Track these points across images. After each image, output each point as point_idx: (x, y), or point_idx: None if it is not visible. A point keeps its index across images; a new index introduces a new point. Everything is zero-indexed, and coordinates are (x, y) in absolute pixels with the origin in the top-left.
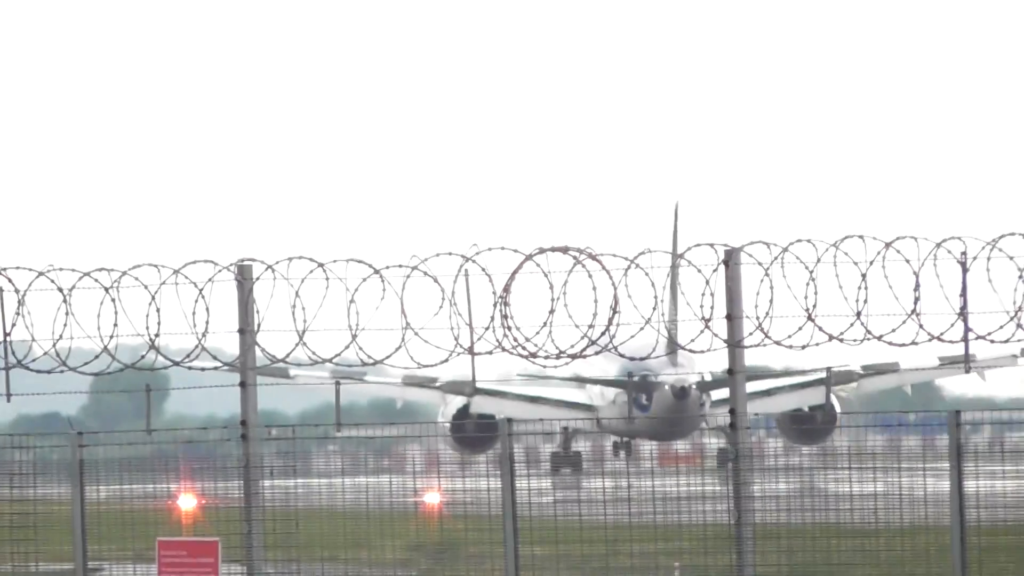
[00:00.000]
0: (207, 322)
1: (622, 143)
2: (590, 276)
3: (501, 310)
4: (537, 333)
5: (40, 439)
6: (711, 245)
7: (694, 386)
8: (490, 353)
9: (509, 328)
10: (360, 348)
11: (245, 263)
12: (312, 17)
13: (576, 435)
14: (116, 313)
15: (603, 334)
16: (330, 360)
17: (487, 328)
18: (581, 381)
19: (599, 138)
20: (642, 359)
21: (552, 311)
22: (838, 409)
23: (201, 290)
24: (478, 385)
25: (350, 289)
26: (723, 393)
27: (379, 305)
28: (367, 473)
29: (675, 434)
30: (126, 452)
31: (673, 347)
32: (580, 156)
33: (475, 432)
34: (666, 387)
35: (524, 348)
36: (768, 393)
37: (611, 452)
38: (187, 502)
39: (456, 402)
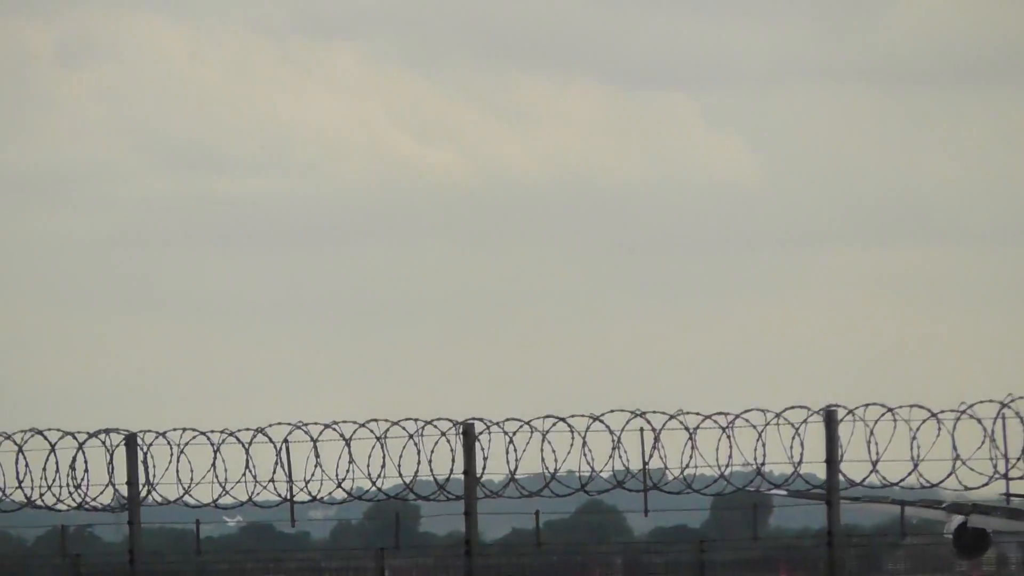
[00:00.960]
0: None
1: None
2: None
3: None
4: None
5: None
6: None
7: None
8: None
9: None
10: (920, 475)
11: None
12: None
13: None
14: (731, 448)
15: None
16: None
17: (1019, 459)
18: None
19: None
20: None
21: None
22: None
23: (797, 429)
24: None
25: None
26: None
27: (935, 440)
28: None
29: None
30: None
31: None
32: None
33: (972, 542)
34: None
35: None
36: None
37: None
38: None
39: (957, 519)
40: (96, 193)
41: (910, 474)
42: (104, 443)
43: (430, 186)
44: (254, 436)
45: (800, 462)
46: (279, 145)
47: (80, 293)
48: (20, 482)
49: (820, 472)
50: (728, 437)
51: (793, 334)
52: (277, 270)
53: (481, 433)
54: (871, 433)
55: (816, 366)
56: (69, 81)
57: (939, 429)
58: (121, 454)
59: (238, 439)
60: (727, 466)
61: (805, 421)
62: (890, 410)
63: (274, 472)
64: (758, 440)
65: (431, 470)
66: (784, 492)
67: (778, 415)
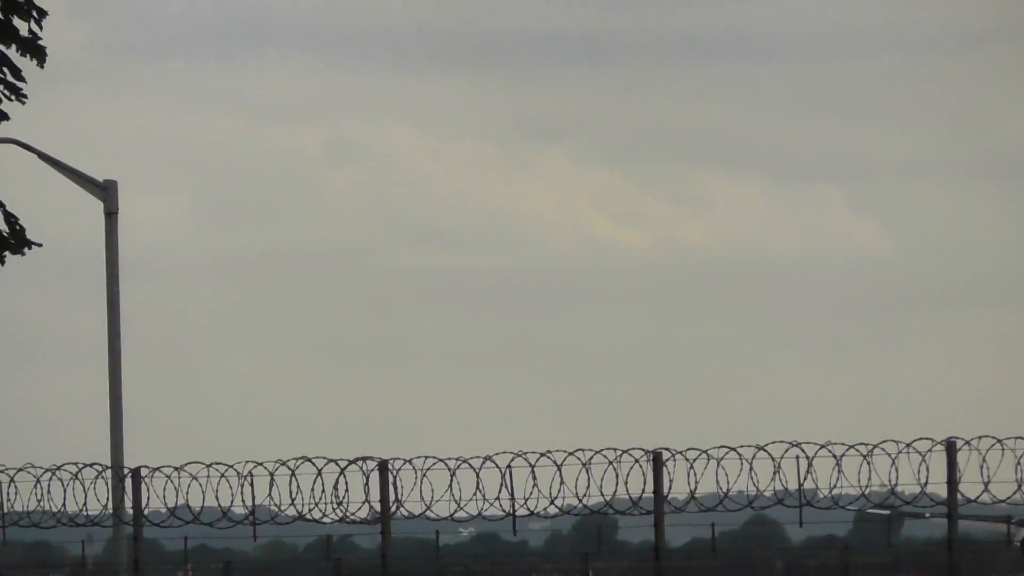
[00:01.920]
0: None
1: None
2: None
3: None
4: None
5: None
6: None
7: None
8: None
9: None
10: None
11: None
12: None
13: None
14: (870, 472)
15: None
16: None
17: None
18: None
19: None
20: None
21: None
22: None
23: (923, 456)
24: None
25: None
26: None
27: None
28: None
29: None
30: None
31: None
32: None
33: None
34: None
35: None
36: None
37: None
38: None
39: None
40: (355, 265)
41: (1015, 492)
42: (361, 468)
43: (624, 261)
44: (483, 462)
45: (926, 483)
46: (501, 227)
47: (344, 347)
48: (292, 500)
49: (942, 492)
50: (867, 463)
51: (920, 379)
52: (497, 327)
53: (667, 460)
54: (983, 460)
55: (939, 405)
56: (335, 175)
57: None
58: (375, 477)
59: (470, 464)
60: (867, 486)
61: (930, 450)
62: (999, 441)
63: (499, 492)
64: (892, 465)
65: (627, 490)
66: (914, 510)
67: (908, 445)
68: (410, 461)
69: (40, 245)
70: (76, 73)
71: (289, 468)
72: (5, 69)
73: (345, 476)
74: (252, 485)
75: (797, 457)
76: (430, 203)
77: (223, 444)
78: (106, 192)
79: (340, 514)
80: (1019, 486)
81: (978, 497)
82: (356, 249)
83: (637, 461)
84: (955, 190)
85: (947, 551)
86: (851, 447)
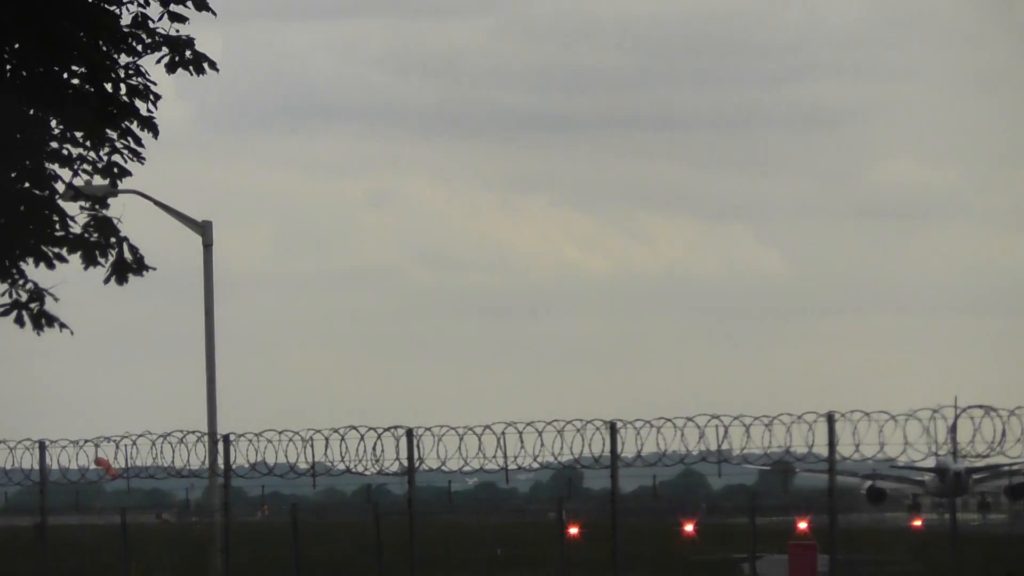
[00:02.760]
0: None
1: None
2: None
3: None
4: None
5: None
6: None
7: (963, 471)
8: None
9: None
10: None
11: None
12: None
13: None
14: (770, 437)
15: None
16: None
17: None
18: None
19: None
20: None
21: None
22: None
23: (811, 425)
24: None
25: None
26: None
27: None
28: None
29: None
30: None
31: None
32: None
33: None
34: (950, 471)
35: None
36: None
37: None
38: (801, 524)
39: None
40: (388, 282)
41: (878, 452)
42: (393, 434)
43: (589, 281)
44: (484, 430)
45: (812, 446)
46: (496, 255)
47: (381, 344)
48: (343, 458)
49: (824, 452)
50: (768, 430)
51: (807, 367)
52: (492, 330)
53: (621, 428)
54: (855, 428)
55: (822, 386)
56: (374, 216)
57: (896, 424)
58: (403, 441)
59: (474, 431)
60: (768, 448)
61: (815, 421)
62: (867, 414)
63: (496, 451)
64: (787, 432)
65: (590, 450)
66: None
67: (799, 416)
68: (430, 429)
69: (155, 269)
70: (182, 139)
71: (340, 433)
72: (129, 139)
73: (381, 440)
74: (312, 447)
75: (716, 426)
76: (444, 237)
77: (291, 415)
78: (204, 229)
79: (377, 468)
80: (881, 447)
81: (851, 456)
82: (389, 270)
83: (598, 429)
84: (836, 228)
85: (828, 496)
86: (756, 418)
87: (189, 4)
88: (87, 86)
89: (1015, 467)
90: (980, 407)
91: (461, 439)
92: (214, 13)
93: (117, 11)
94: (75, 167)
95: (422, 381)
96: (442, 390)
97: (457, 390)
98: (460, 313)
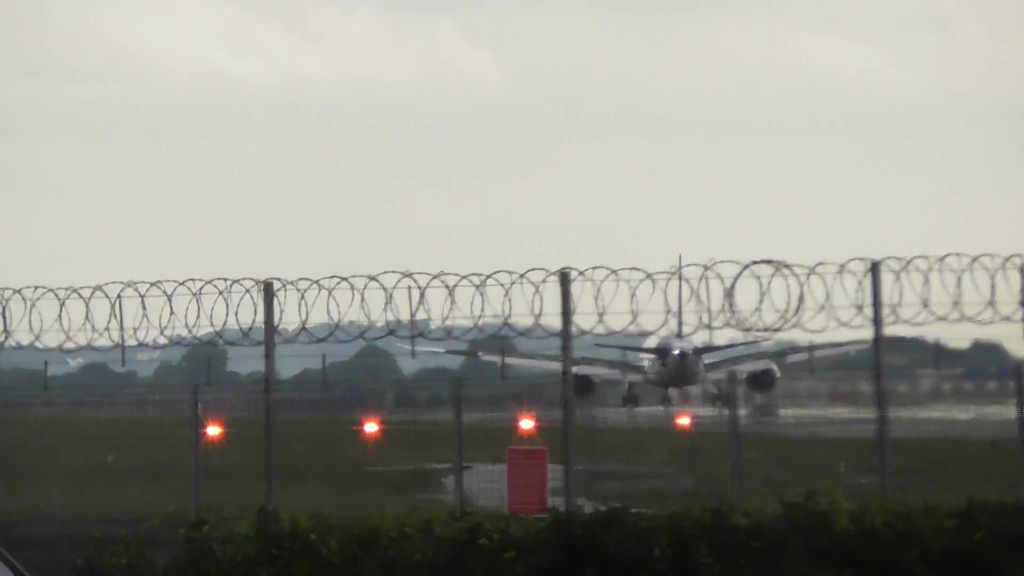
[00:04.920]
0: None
1: None
2: (782, 278)
3: (730, 300)
4: (752, 315)
5: None
6: (861, 259)
7: (691, 351)
8: (720, 327)
9: (735, 312)
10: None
11: (270, 280)
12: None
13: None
14: (483, 303)
15: (793, 316)
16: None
17: (721, 310)
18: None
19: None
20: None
21: (761, 299)
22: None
23: (537, 287)
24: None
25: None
26: (713, 357)
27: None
28: None
29: (685, 382)
30: None
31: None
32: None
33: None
34: (674, 352)
35: (743, 325)
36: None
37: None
38: (527, 423)
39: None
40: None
41: (631, 324)
42: None
43: (233, 96)
44: (93, 292)
45: (540, 314)
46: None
47: None
48: None
49: (557, 323)
50: (480, 294)
51: (536, 210)
52: (112, 158)
53: (279, 290)
54: (598, 290)
55: (554, 236)
56: None
57: (654, 287)
58: None
59: (80, 294)
60: (480, 317)
61: (544, 280)
62: (614, 271)
63: (108, 322)
64: (505, 296)
65: (237, 320)
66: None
67: (522, 275)
68: (19, 291)
69: None
70: None
71: None
72: None
73: None
74: None
75: (409, 288)
76: (49, 39)
77: None
78: None
79: None
80: (634, 317)
81: (593, 329)
82: None
83: (248, 291)
84: (564, 22)
85: (561, 382)
86: (464, 277)
87: None
88: None
89: (749, 348)
90: (769, 262)
91: (62, 305)
92: None
93: None
94: None
95: (8, 223)
96: (35, 237)
97: (55, 237)
98: (66, 136)
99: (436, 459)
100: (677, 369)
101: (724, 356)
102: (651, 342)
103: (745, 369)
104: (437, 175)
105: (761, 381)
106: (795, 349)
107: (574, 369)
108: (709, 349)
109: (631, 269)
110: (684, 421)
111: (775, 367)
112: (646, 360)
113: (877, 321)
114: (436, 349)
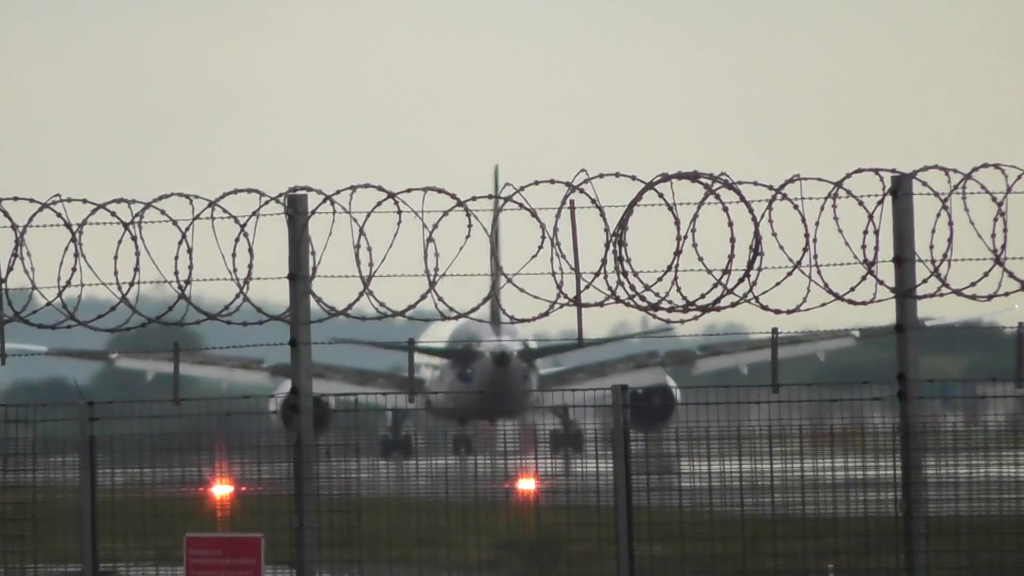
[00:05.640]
0: (251, 266)
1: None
2: (726, 210)
3: (615, 251)
4: (659, 280)
5: (42, 411)
6: (876, 171)
7: (516, 354)
8: (601, 305)
9: (625, 273)
10: (439, 298)
11: (298, 193)
12: None
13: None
14: (138, 255)
15: (742, 281)
16: (402, 313)
17: (597, 273)
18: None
19: (719, 53)
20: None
21: (678, 252)
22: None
23: (243, 226)
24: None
25: (428, 225)
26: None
27: (463, 245)
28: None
29: (502, 412)
30: (149, 427)
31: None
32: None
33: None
34: (487, 354)
35: (643, 298)
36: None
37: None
38: (223, 489)
39: (287, 385)
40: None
41: (423, 297)
42: None
43: None
44: None
45: (249, 278)
46: None
47: None
48: None
49: (281, 294)
50: (134, 239)
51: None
52: None
53: None
54: (361, 232)
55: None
56: None
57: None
58: None
59: None
60: (132, 284)
61: (257, 213)
62: (391, 196)
63: None
64: (181, 243)
65: None
66: None
67: (213, 204)
68: None
69: None
70: None
71: None
72: None
73: None
74: None
75: None
76: None
77: None
78: None
79: None
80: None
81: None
82: None
83: None
84: None
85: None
86: None
87: None
88: None
89: (634, 345)
90: (694, 177)
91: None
92: None
93: None
94: None
95: None
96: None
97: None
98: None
99: (47, 558)
100: (490, 384)
101: (581, 362)
102: (438, 333)
103: (625, 383)
104: None
105: (647, 407)
106: (730, 345)
107: (289, 388)
108: (555, 349)
109: (376, 188)
110: (526, 485)
111: (672, 382)
112: (429, 370)
113: (900, 292)
114: None
